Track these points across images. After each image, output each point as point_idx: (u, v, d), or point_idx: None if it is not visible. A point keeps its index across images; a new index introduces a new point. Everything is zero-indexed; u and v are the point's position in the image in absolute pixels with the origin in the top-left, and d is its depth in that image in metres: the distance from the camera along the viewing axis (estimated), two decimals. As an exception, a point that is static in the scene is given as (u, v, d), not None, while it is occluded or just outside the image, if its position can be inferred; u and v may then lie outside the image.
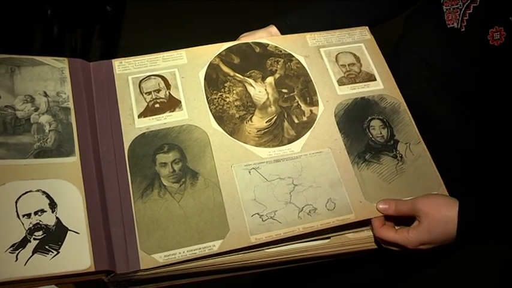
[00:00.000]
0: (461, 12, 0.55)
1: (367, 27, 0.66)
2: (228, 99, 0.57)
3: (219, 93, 0.57)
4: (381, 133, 0.57)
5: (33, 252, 0.44)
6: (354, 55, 0.63)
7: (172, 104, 0.56)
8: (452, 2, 0.56)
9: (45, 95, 0.53)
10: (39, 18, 1.30)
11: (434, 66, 0.60)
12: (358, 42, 0.64)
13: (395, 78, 0.62)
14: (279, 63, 0.61)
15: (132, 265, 0.47)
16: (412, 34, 0.66)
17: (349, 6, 0.66)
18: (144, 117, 0.55)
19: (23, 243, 0.44)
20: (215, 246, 0.49)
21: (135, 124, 0.54)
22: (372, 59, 0.63)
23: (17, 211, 0.46)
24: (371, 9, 0.67)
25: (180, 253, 0.48)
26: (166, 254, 0.48)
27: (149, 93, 0.56)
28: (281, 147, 0.55)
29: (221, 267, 0.50)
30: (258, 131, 0.56)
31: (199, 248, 0.48)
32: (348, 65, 0.61)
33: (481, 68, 0.55)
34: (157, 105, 0.56)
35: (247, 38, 0.63)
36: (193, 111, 0.56)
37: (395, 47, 0.69)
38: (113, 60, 0.58)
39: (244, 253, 0.50)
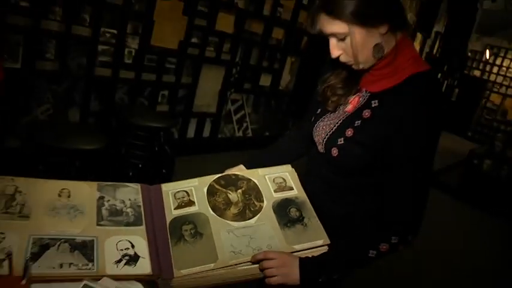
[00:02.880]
0: (323, 140, 1.12)
1: (289, 165, 1.25)
2: (218, 200, 1.13)
3: (213, 198, 1.13)
4: (296, 214, 1.11)
5: (124, 265, 0.94)
6: (282, 178, 1.20)
7: (190, 203, 1.11)
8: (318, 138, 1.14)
9: (129, 199, 1.10)
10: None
11: (320, 176, 1.17)
12: (284, 172, 1.22)
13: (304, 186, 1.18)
14: (244, 183, 1.18)
15: (169, 274, 0.96)
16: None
17: (281, 152, 1.28)
18: (176, 209, 1.10)
19: (119, 261, 0.95)
20: (211, 265, 0.98)
21: (172, 212, 1.09)
22: (292, 179, 1.20)
23: (116, 248, 0.98)
24: (294, 155, 1.29)
25: (194, 269, 0.97)
26: (186, 270, 0.97)
27: (179, 198, 1.12)
28: (245, 221, 1.08)
29: (218, 277, 0.99)
30: (233, 215, 1.10)
31: (204, 266, 0.98)
32: (280, 183, 1.18)
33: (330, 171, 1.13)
34: (183, 204, 1.11)
35: (228, 171, 1.22)
36: (201, 207, 1.11)
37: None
38: (161, 185, 1.15)
39: (228, 269, 0.99)
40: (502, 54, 11.64)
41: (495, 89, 11.82)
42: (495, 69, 11.78)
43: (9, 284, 0.63)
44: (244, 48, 4.26)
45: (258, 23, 4.25)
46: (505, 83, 11.66)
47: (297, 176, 1.20)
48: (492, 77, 11.85)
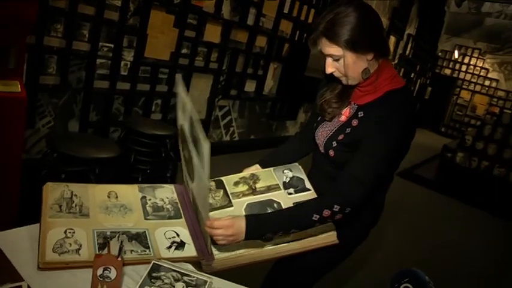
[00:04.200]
0: (323, 143, 1.36)
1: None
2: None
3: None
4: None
5: (174, 250, 1.14)
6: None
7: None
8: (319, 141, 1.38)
9: (167, 197, 1.29)
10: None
11: (322, 169, 1.40)
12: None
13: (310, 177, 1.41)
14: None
15: (211, 257, 1.16)
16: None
17: (289, 152, 1.51)
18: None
19: (169, 247, 1.14)
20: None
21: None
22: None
23: (165, 237, 1.17)
24: (300, 154, 1.52)
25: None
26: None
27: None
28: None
29: (250, 257, 1.19)
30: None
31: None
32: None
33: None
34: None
35: (246, 170, 1.44)
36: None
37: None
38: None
39: (257, 250, 1.20)
40: (469, 54, 12.21)
41: (464, 86, 12.38)
42: (464, 68, 12.34)
43: (110, 260, 0.83)
44: (230, 57, 4.47)
45: (242, 32, 4.47)
46: (473, 80, 12.23)
47: (303, 170, 1.44)
48: (461, 75, 12.41)
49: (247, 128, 5.33)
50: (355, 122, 1.28)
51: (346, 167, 1.21)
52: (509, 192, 5.53)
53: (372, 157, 1.18)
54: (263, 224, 1.14)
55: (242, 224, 1.12)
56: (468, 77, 12.18)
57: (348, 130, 1.29)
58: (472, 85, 12.14)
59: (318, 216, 1.16)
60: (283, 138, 6.09)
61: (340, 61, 1.21)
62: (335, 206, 1.16)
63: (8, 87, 1.84)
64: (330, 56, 1.22)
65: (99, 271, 0.82)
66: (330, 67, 1.25)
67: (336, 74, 1.26)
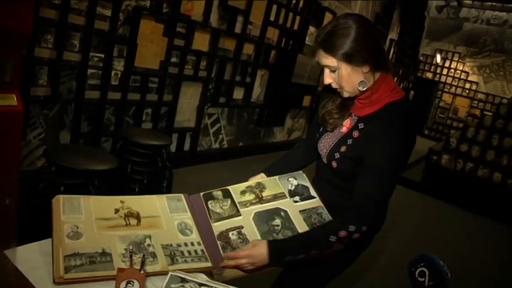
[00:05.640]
0: (325, 154, 1.39)
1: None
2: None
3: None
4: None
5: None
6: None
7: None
8: (321, 152, 1.41)
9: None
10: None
11: (326, 178, 1.42)
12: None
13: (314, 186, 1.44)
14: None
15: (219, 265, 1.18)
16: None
17: (293, 161, 1.54)
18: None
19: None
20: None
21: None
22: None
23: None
24: (303, 163, 1.54)
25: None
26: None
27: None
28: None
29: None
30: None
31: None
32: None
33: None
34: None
35: (253, 179, 1.46)
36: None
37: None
38: (200, 194, 1.36)
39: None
40: (449, 57, 12.49)
41: (446, 89, 12.64)
42: (445, 71, 12.61)
43: (132, 273, 0.83)
44: (218, 65, 4.49)
45: (230, 40, 4.50)
46: (454, 83, 12.50)
47: (307, 178, 1.46)
48: (443, 78, 12.67)
49: (235, 135, 5.35)
50: (356, 134, 1.31)
51: (357, 186, 1.23)
52: (492, 193, 5.66)
53: (380, 174, 1.20)
54: (284, 247, 1.19)
55: (264, 250, 1.17)
56: (449, 80, 12.46)
57: (350, 141, 1.31)
58: (454, 88, 12.42)
59: (335, 238, 1.20)
60: (271, 145, 6.14)
61: (336, 72, 1.24)
62: (350, 226, 1.19)
63: (4, 101, 1.83)
64: (327, 67, 1.25)
65: (123, 285, 0.83)
66: (328, 78, 1.27)
67: (334, 85, 1.29)
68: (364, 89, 1.26)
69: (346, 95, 1.29)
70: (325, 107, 1.42)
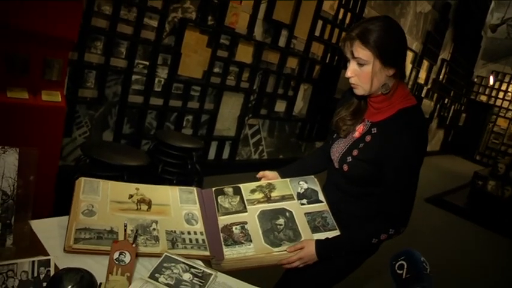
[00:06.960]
0: (337, 159, 1.42)
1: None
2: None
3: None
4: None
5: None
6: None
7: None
8: (334, 157, 1.45)
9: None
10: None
11: (334, 182, 1.46)
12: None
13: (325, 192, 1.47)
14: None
15: (220, 256, 1.24)
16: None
17: (308, 166, 1.59)
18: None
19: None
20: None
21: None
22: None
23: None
24: (317, 169, 1.59)
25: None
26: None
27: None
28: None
29: (259, 260, 1.26)
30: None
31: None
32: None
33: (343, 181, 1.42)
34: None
35: (265, 174, 1.54)
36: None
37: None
38: (212, 189, 1.44)
39: (266, 255, 1.27)
40: (506, 80, 11.92)
41: (501, 114, 12.04)
42: (501, 95, 12.03)
43: (124, 245, 0.93)
44: (261, 77, 4.61)
45: (274, 53, 4.61)
46: (511, 107, 11.89)
47: (318, 184, 1.50)
48: (498, 102, 12.09)
49: (276, 147, 5.41)
50: (368, 138, 1.34)
51: (384, 192, 1.31)
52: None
53: (406, 176, 1.27)
54: (331, 246, 1.31)
55: (312, 249, 1.30)
56: (505, 104, 11.88)
57: (361, 145, 1.34)
58: (510, 113, 11.82)
59: (376, 240, 1.31)
60: (311, 159, 6.12)
61: (363, 67, 1.26)
62: (390, 230, 1.30)
63: (50, 97, 2.01)
64: (358, 59, 1.26)
65: (116, 255, 0.92)
66: (351, 72, 1.30)
67: (353, 81, 1.31)
68: (387, 91, 1.30)
69: (360, 92, 1.32)
70: (339, 114, 1.46)
